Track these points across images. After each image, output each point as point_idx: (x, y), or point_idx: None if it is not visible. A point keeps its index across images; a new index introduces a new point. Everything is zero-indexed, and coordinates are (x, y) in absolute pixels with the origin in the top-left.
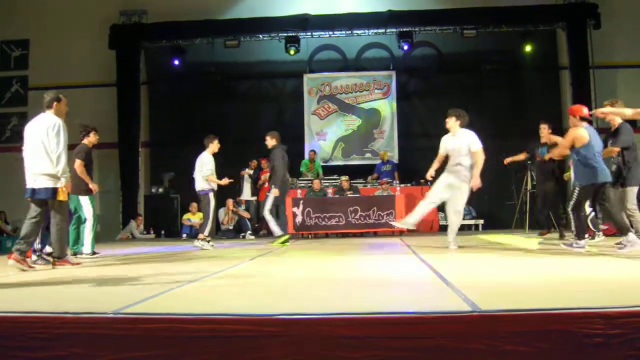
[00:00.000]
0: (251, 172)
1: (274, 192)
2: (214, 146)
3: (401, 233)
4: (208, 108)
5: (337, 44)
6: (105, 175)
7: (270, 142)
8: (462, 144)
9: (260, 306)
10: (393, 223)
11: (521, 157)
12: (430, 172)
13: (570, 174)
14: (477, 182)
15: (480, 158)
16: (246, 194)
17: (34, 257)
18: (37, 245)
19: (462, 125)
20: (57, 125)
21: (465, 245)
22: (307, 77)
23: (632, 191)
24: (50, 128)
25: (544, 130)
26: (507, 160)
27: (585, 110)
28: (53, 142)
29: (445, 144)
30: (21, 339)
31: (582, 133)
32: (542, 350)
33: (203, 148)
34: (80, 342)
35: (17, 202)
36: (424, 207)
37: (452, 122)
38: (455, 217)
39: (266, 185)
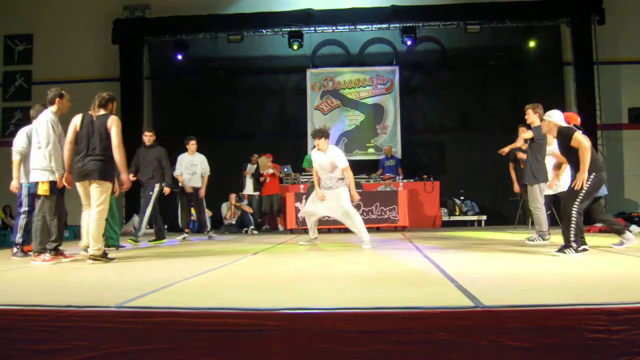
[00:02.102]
0: (254, 168)
1: (166, 190)
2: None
3: (404, 229)
4: (211, 103)
5: (340, 39)
6: None
7: (152, 137)
8: (329, 161)
9: (263, 300)
10: (301, 243)
11: (518, 144)
12: (320, 192)
13: None
14: (355, 197)
15: (349, 175)
16: (249, 188)
17: (14, 250)
18: (18, 239)
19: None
20: (45, 121)
21: (467, 243)
22: (310, 72)
23: (539, 187)
24: (40, 123)
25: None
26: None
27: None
28: (41, 137)
29: (315, 160)
30: (24, 332)
31: None
32: (545, 345)
33: (205, 143)
34: (83, 335)
35: None
36: (311, 223)
37: (322, 143)
38: (348, 219)
39: (268, 180)
